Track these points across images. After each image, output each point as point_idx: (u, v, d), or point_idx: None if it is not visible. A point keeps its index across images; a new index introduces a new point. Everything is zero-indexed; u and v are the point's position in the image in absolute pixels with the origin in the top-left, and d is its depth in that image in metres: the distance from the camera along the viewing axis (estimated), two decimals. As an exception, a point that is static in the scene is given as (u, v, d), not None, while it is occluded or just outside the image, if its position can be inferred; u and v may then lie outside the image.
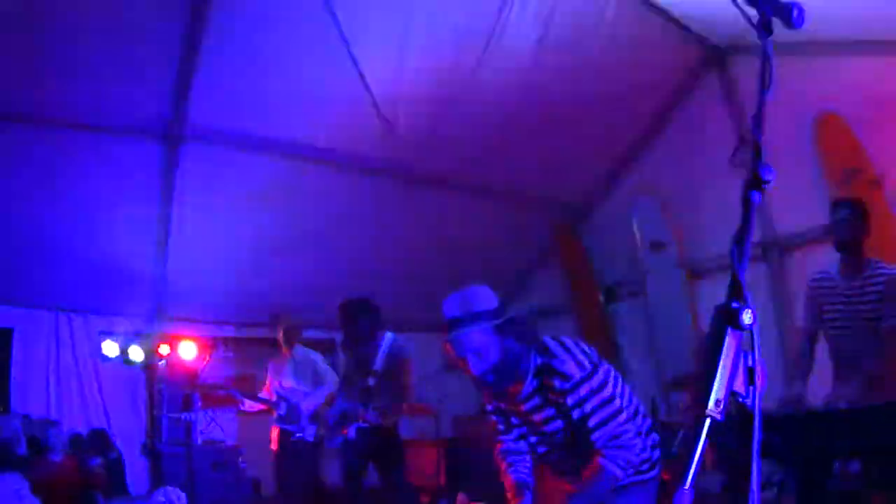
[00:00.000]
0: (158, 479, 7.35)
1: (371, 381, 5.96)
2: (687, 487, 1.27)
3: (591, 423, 2.96)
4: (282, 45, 6.37)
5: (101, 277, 7.64)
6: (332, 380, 7.15)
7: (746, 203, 1.65)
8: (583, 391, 2.97)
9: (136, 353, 7.72)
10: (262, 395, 7.28)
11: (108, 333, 7.76)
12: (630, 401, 3.25)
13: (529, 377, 3.07)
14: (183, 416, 7.94)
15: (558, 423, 3.09)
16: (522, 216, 9.42)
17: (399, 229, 8.56)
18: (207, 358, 8.16)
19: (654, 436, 3.28)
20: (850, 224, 4.74)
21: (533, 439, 3.26)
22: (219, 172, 7.20)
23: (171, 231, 7.45)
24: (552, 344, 3.10)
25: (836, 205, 4.93)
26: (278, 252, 8.05)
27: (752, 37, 5.40)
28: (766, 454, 4.54)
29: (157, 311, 8.15)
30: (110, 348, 7.64)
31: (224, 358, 8.72)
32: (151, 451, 7.49)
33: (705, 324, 8.16)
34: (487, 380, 3.02)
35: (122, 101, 6.38)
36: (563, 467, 3.27)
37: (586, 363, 3.04)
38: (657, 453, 3.27)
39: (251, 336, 9.04)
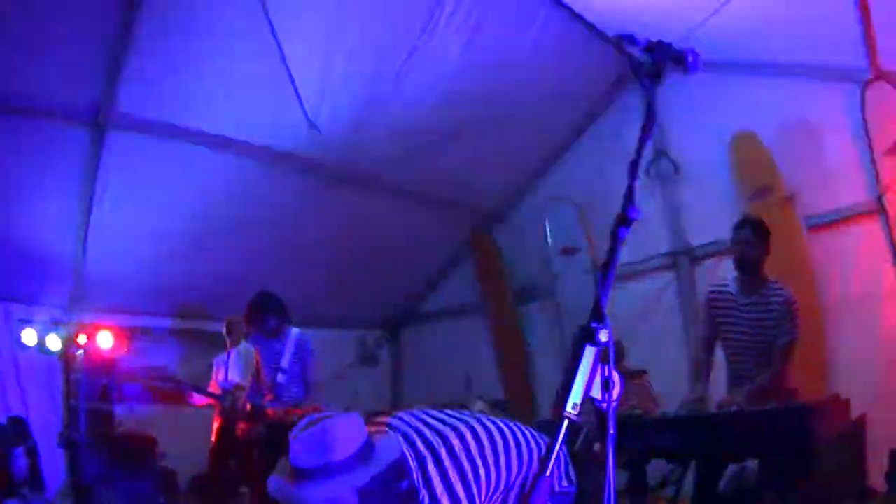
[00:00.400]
0: (74, 469, 7.34)
1: (279, 378, 6.33)
2: (547, 475, 1.52)
3: None
4: (215, 40, 6.45)
5: (21, 265, 7.57)
6: None
7: (613, 237, 1.82)
8: None
9: (54, 342, 7.67)
10: (209, 389, 7.54)
11: (28, 322, 7.70)
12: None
13: None
14: (100, 407, 7.85)
15: None
16: (439, 218, 9.71)
17: (318, 226, 8.74)
18: (126, 348, 8.15)
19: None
20: (750, 244, 5.08)
21: None
22: (144, 162, 7.21)
23: (92, 219, 7.42)
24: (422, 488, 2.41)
25: (739, 224, 5.23)
26: (198, 244, 8.12)
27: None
28: (664, 454, 4.92)
29: (76, 300, 8.09)
30: (29, 337, 7.59)
31: (140, 349, 8.65)
32: (68, 442, 7.40)
33: (614, 327, 8.59)
34: None
35: (48, 82, 6.32)
36: None
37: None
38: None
39: (169, 327, 9.10)
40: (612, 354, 1.59)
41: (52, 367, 7.85)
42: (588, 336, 1.59)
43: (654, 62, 2.19)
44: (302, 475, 2.15)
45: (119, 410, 8.13)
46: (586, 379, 1.54)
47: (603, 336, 1.59)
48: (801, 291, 6.68)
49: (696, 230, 8.21)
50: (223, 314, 8.55)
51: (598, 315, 1.62)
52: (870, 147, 6.88)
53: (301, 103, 7.19)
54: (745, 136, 7.73)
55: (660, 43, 2.20)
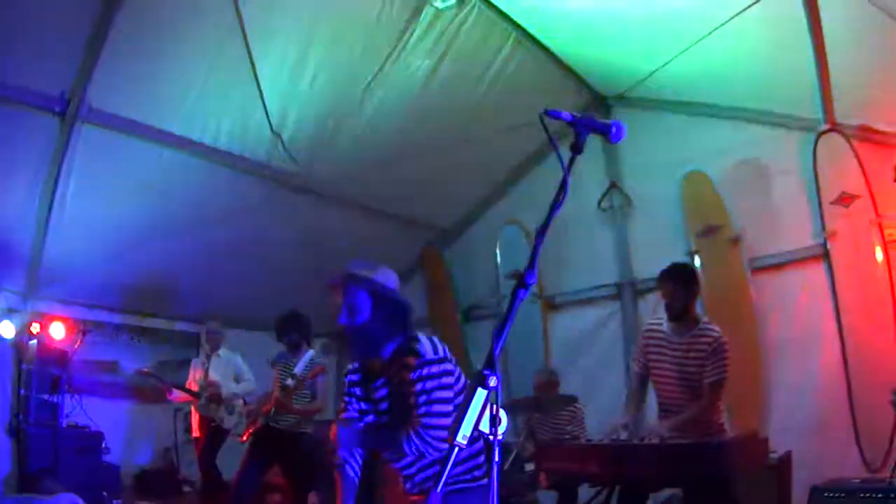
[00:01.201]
0: (23, 459, 7.46)
1: (288, 381, 6.87)
2: (438, 490, 1.84)
3: (421, 400, 3.39)
4: (189, 44, 6.61)
5: (-21, 250, 7.65)
6: (250, 377, 8.32)
7: (513, 297, 2.07)
8: (426, 371, 3.42)
9: (7, 330, 7.74)
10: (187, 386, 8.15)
11: (-17, 308, 7.74)
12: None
13: (388, 353, 3.54)
14: (50, 398, 7.93)
15: (394, 397, 3.55)
16: (393, 233, 9.97)
17: (274, 233, 8.96)
18: (80, 341, 8.25)
19: (480, 444, 3.60)
20: (673, 295, 5.30)
21: (369, 417, 3.70)
22: (109, 157, 7.28)
23: (54, 210, 7.45)
24: (421, 335, 3.61)
25: (662, 276, 5.43)
26: (157, 243, 8.25)
27: (637, 90, 6.24)
28: (589, 478, 5.19)
29: (33, 289, 8.10)
30: (-17, 323, 7.65)
31: (93, 342, 8.74)
32: (17, 431, 7.55)
33: (558, 353, 8.84)
34: (347, 332, 3.58)
35: (21, 71, 6.37)
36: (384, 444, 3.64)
37: (441, 353, 3.54)
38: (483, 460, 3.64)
39: (123, 322, 9.19)
40: (499, 397, 1.89)
41: (3, 354, 7.87)
42: (480, 381, 1.89)
43: (577, 136, 2.44)
44: (347, 276, 3.59)
45: (68, 403, 8.14)
46: (477, 415, 1.86)
47: (492, 382, 1.90)
48: (742, 330, 7.04)
49: (643, 263, 8.49)
50: (178, 312, 8.80)
51: (490, 364, 1.91)
52: (818, 195, 7.20)
53: (266, 113, 7.39)
54: (697, 176, 8.05)
55: (583, 118, 2.44)
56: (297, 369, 6.96)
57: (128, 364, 8.88)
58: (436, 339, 3.65)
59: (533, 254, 2.18)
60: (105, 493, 7.50)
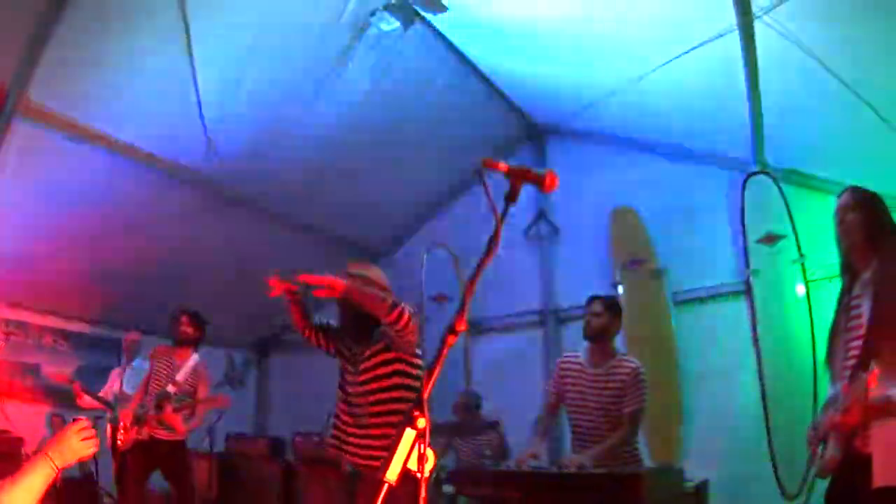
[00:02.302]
0: None
1: (169, 388, 6.80)
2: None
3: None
4: (133, 47, 6.58)
5: None
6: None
7: (442, 343, 2.23)
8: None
9: None
10: (101, 394, 7.99)
11: None
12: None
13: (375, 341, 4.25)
14: None
15: (377, 374, 4.29)
16: (323, 250, 10.08)
17: (203, 242, 9.04)
18: (2, 343, 8.27)
19: None
20: (596, 315, 5.53)
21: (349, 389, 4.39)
22: (43, 155, 7.26)
23: None
24: None
25: (590, 300, 5.66)
26: (85, 245, 8.25)
27: (572, 122, 6.46)
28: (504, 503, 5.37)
29: None
30: None
31: (15, 343, 8.78)
32: None
33: (480, 376, 9.06)
34: (346, 326, 4.38)
35: None
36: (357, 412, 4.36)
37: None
38: None
39: (46, 325, 9.21)
40: (428, 436, 2.08)
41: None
42: (411, 422, 2.08)
43: (512, 186, 2.56)
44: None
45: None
46: (406, 454, 2.04)
47: (421, 423, 2.08)
48: (661, 361, 7.35)
49: (567, 292, 8.82)
50: (102, 318, 8.78)
51: (420, 406, 2.09)
52: (744, 234, 7.58)
53: (203, 121, 7.41)
54: (625, 210, 8.39)
55: (518, 169, 2.55)
56: (180, 376, 6.97)
57: (50, 368, 8.87)
58: None
59: (462, 301, 2.29)
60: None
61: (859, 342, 3.55)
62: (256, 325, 11.83)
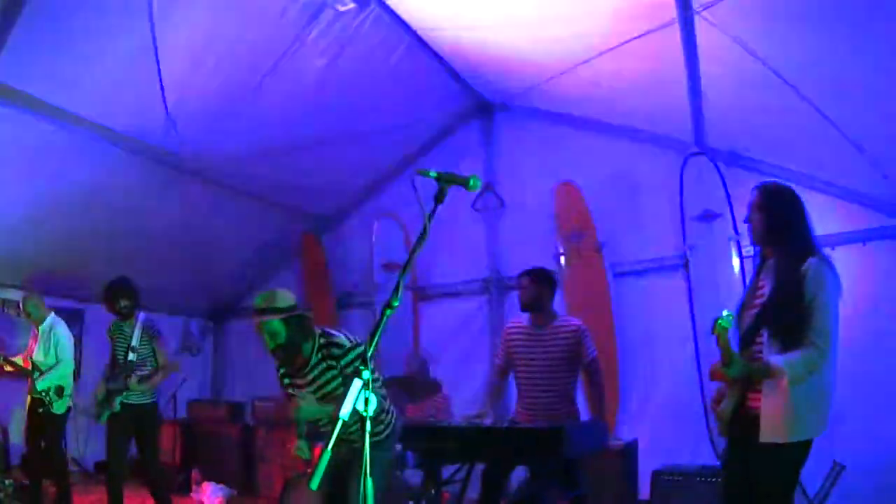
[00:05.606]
0: None
1: (130, 356, 7.11)
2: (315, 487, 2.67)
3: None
4: (98, 24, 6.71)
5: None
6: (69, 356, 8.16)
7: (381, 315, 2.81)
8: (352, 356, 4.72)
9: None
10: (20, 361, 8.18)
11: None
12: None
13: (314, 353, 4.80)
14: None
15: (337, 380, 4.75)
16: (276, 219, 10.86)
17: (159, 214, 9.55)
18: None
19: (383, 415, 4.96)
20: (525, 290, 6.26)
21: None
22: (4, 132, 7.51)
23: None
24: (328, 329, 4.89)
25: (521, 274, 6.36)
26: (43, 221, 8.72)
27: (521, 99, 7.26)
28: (450, 457, 6.04)
29: None
30: None
31: None
32: None
33: (427, 342, 9.80)
34: (276, 353, 4.77)
35: None
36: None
37: (353, 340, 4.82)
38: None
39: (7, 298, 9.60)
40: (373, 386, 2.70)
41: None
42: (357, 374, 2.67)
43: (440, 188, 3.08)
44: (258, 312, 4.75)
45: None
46: (354, 398, 2.73)
47: (365, 375, 2.66)
48: (601, 329, 7.93)
49: (511, 262, 9.43)
50: (62, 291, 9.44)
51: (364, 362, 2.68)
52: (682, 211, 8.29)
53: (164, 97, 7.76)
54: (567, 186, 9.05)
55: (447, 173, 3.09)
56: (135, 341, 7.19)
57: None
58: (342, 330, 4.96)
59: (397, 283, 2.82)
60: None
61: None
62: (212, 293, 12.49)
